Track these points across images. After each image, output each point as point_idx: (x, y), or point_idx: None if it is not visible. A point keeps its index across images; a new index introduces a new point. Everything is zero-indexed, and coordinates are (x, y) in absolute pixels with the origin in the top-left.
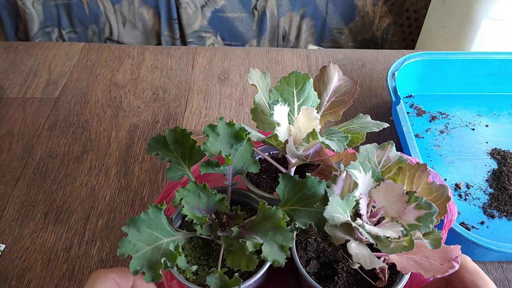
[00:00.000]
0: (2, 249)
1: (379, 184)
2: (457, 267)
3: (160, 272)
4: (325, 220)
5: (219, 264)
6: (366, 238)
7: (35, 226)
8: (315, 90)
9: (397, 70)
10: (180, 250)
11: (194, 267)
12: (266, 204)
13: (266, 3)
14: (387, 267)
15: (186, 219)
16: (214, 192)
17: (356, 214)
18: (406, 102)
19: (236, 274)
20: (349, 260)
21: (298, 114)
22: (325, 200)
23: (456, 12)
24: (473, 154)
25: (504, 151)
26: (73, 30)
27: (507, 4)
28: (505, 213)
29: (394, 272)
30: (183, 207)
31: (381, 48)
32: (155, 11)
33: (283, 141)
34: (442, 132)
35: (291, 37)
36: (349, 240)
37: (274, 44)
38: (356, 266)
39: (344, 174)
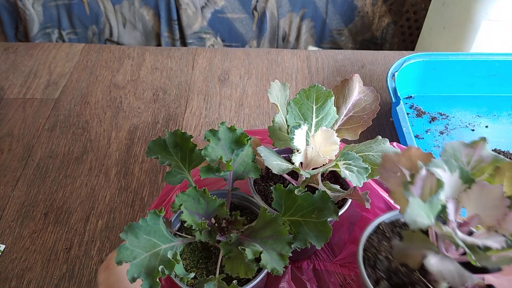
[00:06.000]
0: (2, 250)
1: (469, 187)
2: None
3: (158, 280)
4: (325, 233)
5: (218, 270)
6: (457, 250)
7: (35, 227)
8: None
9: (397, 71)
10: (178, 257)
11: (192, 275)
12: (267, 211)
13: (266, 4)
14: (485, 284)
15: (185, 225)
16: (214, 198)
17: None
18: (406, 103)
19: (234, 281)
20: (429, 285)
21: (315, 131)
22: (322, 209)
23: (456, 13)
24: None
25: (504, 151)
26: (73, 31)
27: (506, 6)
28: None
29: None
30: (182, 212)
31: (380, 48)
32: (155, 12)
33: (297, 165)
34: (442, 133)
35: (291, 38)
36: (426, 256)
37: (274, 45)
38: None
39: (423, 172)
